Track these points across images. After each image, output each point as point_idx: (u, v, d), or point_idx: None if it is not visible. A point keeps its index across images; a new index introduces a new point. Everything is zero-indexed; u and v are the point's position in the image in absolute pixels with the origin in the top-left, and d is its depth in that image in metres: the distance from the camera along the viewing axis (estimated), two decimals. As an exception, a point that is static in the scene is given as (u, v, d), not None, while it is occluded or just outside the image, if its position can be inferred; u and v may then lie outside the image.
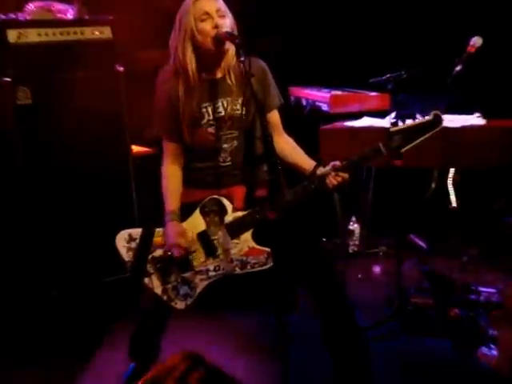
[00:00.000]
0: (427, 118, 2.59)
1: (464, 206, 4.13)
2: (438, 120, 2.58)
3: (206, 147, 2.73)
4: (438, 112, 2.59)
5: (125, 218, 3.73)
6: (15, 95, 3.53)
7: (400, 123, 2.68)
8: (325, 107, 4.39)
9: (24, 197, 3.60)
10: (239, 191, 2.74)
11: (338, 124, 3.89)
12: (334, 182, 2.59)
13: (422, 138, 2.58)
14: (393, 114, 3.38)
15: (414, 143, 2.58)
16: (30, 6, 3.69)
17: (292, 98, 4.81)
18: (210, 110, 2.70)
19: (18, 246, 3.63)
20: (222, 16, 2.64)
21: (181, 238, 2.68)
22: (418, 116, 3.78)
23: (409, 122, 2.62)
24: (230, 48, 2.63)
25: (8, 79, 3.51)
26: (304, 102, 4.68)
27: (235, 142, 2.73)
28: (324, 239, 4.53)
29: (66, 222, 3.69)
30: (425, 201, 4.35)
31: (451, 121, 3.35)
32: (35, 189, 3.62)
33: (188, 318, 2.94)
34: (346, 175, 2.59)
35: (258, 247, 2.66)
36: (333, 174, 2.59)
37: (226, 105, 2.71)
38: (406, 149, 2.58)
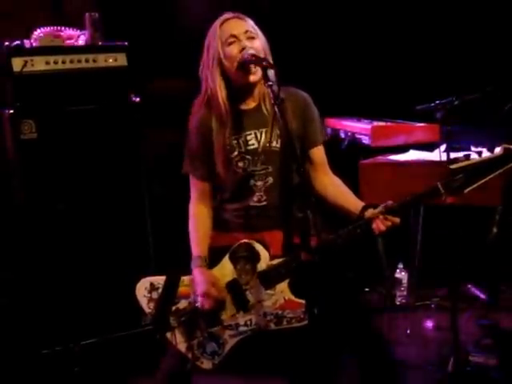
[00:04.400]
0: (496, 152, 2.49)
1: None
2: (509, 155, 2.48)
3: (238, 185, 2.67)
4: (509, 146, 2.49)
5: (139, 264, 3.69)
6: (19, 129, 3.49)
7: (460, 155, 2.56)
8: (365, 140, 4.31)
9: (27, 241, 3.53)
10: (275, 236, 2.65)
11: (381, 158, 3.86)
12: (382, 227, 2.51)
13: (488, 177, 2.48)
14: (443, 147, 3.29)
15: (479, 183, 2.48)
16: (38, 32, 3.64)
17: (329, 130, 4.75)
18: (240, 141, 2.65)
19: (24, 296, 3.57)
20: (251, 38, 2.61)
21: (212, 287, 2.57)
22: (472, 147, 3.66)
23: (474, 157, 2.51)
24: (259, 73, 2.54)
25: (11, 111, 3.49)
26: (342, 135, 4.62)
27: (270, 179, 2.66)
28: (367, 289, 4.42)
29: (72, 268, 3.61)
30: (485, 246, 4.23)
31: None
32: (39, 232, 3.54)
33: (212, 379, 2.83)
34: (396, 219, 2.52)
35: (296, 299, 2.54)
36: (381, 217, 2.51)
37: (259, 137, 2.66)
38: (469, 189, 2.49)
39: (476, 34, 4.50)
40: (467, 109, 3.24)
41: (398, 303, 4.36)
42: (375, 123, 4.41)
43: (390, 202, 2.52)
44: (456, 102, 3.21)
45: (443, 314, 3.99)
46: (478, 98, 3.29)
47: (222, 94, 2.61)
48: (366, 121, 4.52)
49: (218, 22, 2.63)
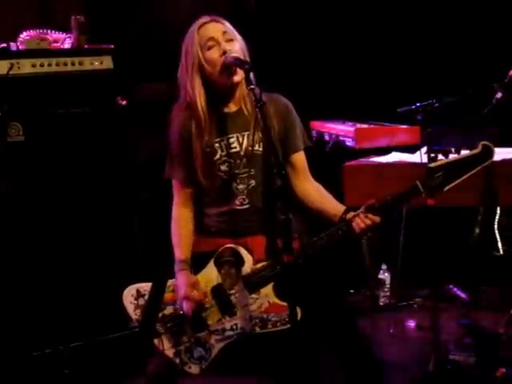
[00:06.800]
0: (474, 150, 2.50)
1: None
2: (487, 152, 2.49)
3: (220, 188, 2.67)
4: (487, 143, 2.50)
5: (127, 267, 3.70)
6: (6, 131, 3.51)
7: (440, 157, 2.62)
8: (349, 142, 4.38)
9: (15, 244, 3.55)
10: (258, 241, 2.65)
11: (364, 160, 3.88)
12: (362, 225, 2.51)
13: (467, 175, 2.49)
14: (424, 149, 3.33)
15: (458, 180, 2.49)
16: (24, 35, 3.67)
17: (314, 133, 4.81)
18: (223, 145, 2.66)
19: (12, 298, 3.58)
20: (230, 40, 2.60)
21: (192, 289, 2.58)
22: (452, 150, 3.70)
23: (452, 155, 2.52)
24: (242, 74, 2.55)
25: (-2, 113, 3.52)
26: (327, 137, 4.67)
27: (252, 182, 2.66)
28: (351, 290, 4.47)
29: (62, 271, 3.62)
30: (467, 247, 4.30)
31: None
32: (27, 234, 3.56)
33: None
34: (376, 218, 2.51)
35: (280, 302, 2.55)
36: (361, 215, 2.50)
37: (241, 140, 2.66)
38: (448, 187, 2.49)
39: (456, 37, 4.57)
40: (447, 111, 3.27)
41: (381, 304, 4.42)
42: (359, 125, 4.46)
43: (371, 202, 2.53)
44: (436, 105, 3.25)
45: (425, 313, 4.05)
46: (458, 101, 3.31)
47: (201, 100, 2.60)
48: (349, 123, 4.57)
49: (194, 27, 2.61)
